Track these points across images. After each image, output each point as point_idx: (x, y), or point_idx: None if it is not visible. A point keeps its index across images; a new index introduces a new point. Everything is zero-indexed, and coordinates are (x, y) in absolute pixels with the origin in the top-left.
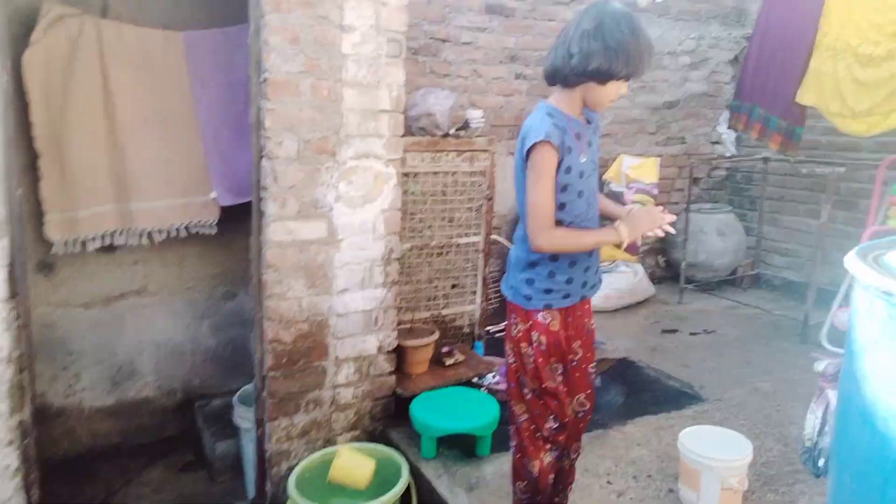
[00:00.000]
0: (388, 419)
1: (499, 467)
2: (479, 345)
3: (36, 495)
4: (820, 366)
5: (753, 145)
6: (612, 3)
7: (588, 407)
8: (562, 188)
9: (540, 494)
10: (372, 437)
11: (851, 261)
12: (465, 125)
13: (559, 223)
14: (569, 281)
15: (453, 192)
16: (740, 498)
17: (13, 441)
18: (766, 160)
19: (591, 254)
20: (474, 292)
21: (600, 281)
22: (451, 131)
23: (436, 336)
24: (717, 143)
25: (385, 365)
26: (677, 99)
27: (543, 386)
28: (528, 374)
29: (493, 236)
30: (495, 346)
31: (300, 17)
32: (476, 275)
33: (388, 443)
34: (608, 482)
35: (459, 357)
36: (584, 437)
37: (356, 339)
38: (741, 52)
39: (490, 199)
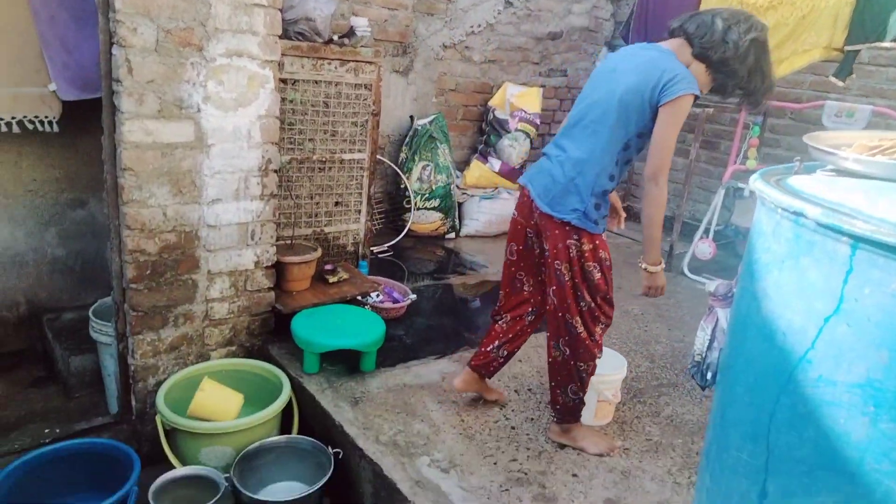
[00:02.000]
0: (268, 335)
1: (384, 382)
2: (364, 264)
3: None
4: (711, 286)
5: None
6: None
7: None
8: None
9: (584, 390)
10: (250, 353)
11: (757, 183)
12: (350, 33)
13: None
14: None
15: (336, 104)
16: (613, 408)
17: None
18: None
19: None
20: (359, 211)
21: None
22: (335, 38)
23: (318, 253)
24: None
25: (263, 280)
26: (560, 30)
27: (608, 297)
28: (589, 289)
29: (379, 157)
30: (380, 267)
31: None
32: (361, 193)
33: (268, 359)
34: None
35: (343, 275)
36: (468, 353)
37: (231, 253)
38: None
39: (376, 114)
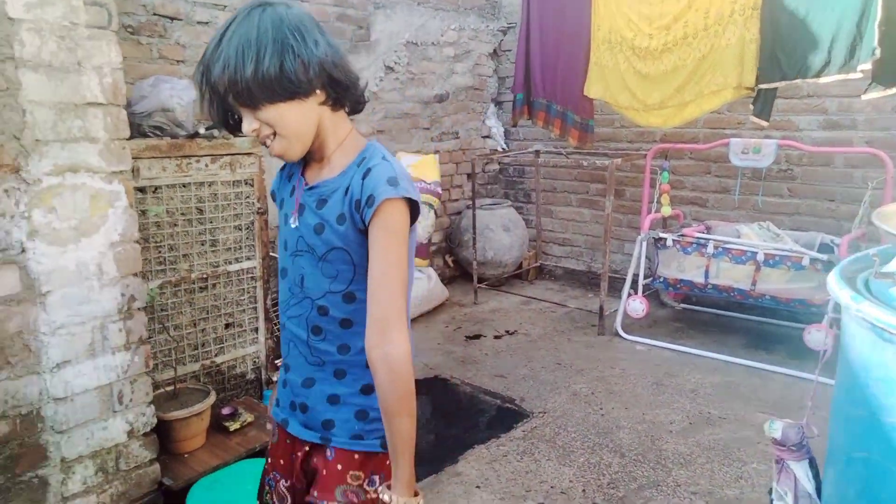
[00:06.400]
0: None
1: None
2: (269, 394)
3: None
4: (775, 430)
5: (522, 139)
6: None
7: None
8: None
9: None
10: None
11: (863, 306)
12: None
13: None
14: (283, 383)
15: (213, 208)
16: None
17: None
18: (537, 153)
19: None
20: (256, 329)
21: (324, 430)
22: (202, 130)
23: (211, 399)
24: (487, 137)
25: (142, 452)
26: (446, 92)
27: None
28: None
29: (274, 254)
30: None
31: None
32: (255, 307)
33: None
34: None
35: (247, 417)
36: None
37: (92, 428)
38: (499, 46)
39: (263, 213)
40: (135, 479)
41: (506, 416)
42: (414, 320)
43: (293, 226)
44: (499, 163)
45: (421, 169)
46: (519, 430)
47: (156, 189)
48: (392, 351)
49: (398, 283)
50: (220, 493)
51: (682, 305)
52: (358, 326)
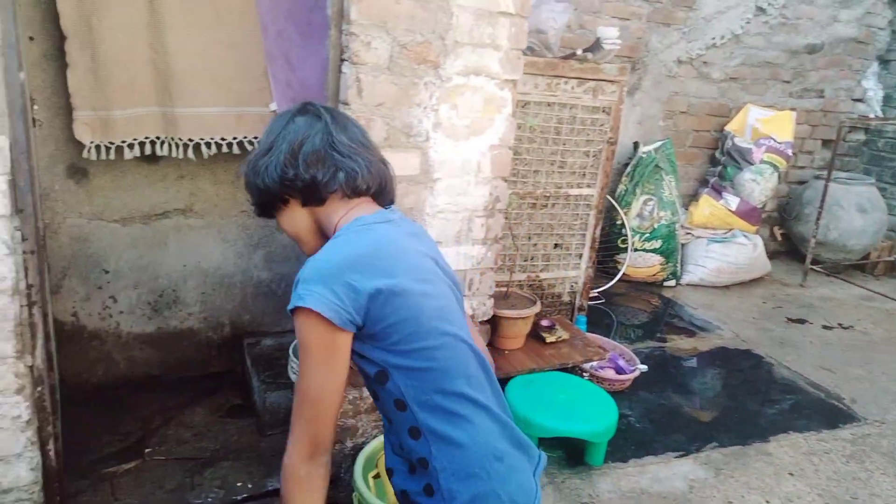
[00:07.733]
0: None
1: (615, 484)
2: (582, 319)
3: (53, 450)
4: None
5: None
6: None
7: None
8: None
9: None
10: None
11: None
12: (595, 46)
13: None
14: None
15: (569, 130)
16: None
17: (23, 388)
18: None
19: None
20: (580, 255)
21: None
22: (579, 52)
23: (537, 307)
24: (859, 100)
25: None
26: (821, 42)
27: None
28: None
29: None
30: (597, 320)
31: None
32: (584, 234)
33: None
34: None
35: (562, 334)
36: (720, 455)
37: None
38: None
39: (613, 143)
40: None
41: (829, 413)
42: (727, 287)
43: None
44: (866, 131)
45: (772, 125)
46: (846, 432)
47: (525, 104)
48: (283, 463)
49: (299, 400)
50: (533, 391)
51: None
52: (396, 426)
